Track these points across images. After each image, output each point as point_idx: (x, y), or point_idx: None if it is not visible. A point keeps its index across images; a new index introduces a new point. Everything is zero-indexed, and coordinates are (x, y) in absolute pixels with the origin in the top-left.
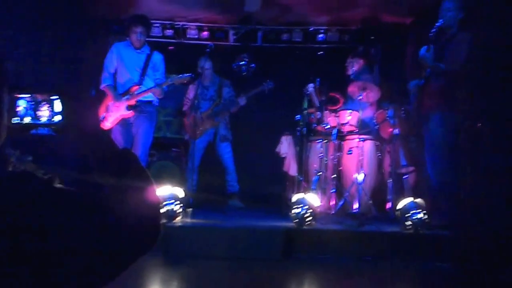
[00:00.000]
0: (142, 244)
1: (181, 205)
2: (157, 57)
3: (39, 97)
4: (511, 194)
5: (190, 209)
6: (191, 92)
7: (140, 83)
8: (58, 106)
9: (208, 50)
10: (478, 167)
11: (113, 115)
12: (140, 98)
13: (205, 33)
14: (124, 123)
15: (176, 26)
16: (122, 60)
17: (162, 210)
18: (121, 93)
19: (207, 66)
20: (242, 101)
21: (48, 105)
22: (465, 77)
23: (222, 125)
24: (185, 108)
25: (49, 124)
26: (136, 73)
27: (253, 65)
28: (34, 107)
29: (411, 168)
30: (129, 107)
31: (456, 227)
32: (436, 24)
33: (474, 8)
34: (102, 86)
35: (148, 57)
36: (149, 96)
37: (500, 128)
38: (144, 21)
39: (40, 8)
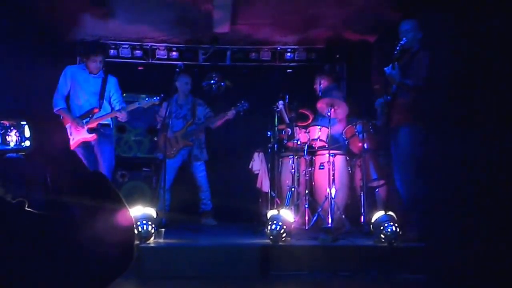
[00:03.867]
0: (116, 266)
1: (154, 225)
2: (113, 80)
3: (7, 123)
4: (480, 205)
5: (163, 229)
6: (163, 110)
7: (99, 106)
8: (27, 131)
9: (177, 70)
10: (446, 179)
11: (74, 137)
12: (100, 121)
13: (174, 53)
14: (85, 146)
15: (145, 47)
16: (78, 83)
17: (135, 231)
18: (79, 116)
19: (185, 81)
20: (231, 114)
21: (16, 131)
22: (429, 91)
23: (196, 144)
24: (159, 126)
25: (18, 149)
26: (94, 96)
27: (223, 84)
28: (2, 133)
29: (382, 182)
30: (91, 130)
31: (427, 239)
32: (400, 42)
33: (432, 26)
34: (56, 109)
35: (104, 81)
36: (106, 120)
37: (466, 140)
38: (104, 50)
39: (4, 32)
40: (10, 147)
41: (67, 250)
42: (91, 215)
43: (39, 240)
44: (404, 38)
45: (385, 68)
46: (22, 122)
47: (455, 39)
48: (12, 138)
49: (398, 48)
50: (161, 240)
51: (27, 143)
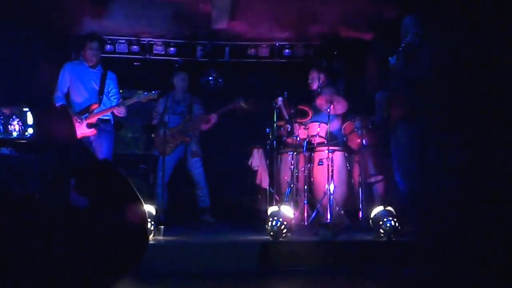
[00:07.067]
0: (131, 256)
1: (153, 222)
2: (113, 77)
3: (8, 111)
4: (478, 199)
5: (162, 226)
6: (160, 106)
7: (99, 102)
8: (30, 118)
9: (177, 65)
10: (445, 175)
11: None
12: (100, 116)
13: (172, 49)
14: (85, 142)
15: (142, 42)
16: (78, 79)
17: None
18: (79, 112)
19: (182, 77)
20: (213, 118)
21: (18, 119)
22: (431, 87)
23: (193, 141)
24: (154, 122)
25: (21, 138)
26: (94, 92)
27: (220, 80)
28: (3, 122)
29: (380, 177)
30: (90, 125)
31: (425, 234)
32: (406, 39)
33: (434, 22)
34: (56, 106)
35: (104, 76)
36: (107, 115)
37: (466, 136)
38: (99, 37)
39: (3, 22)
40: (12, 137)
41: (77, 240)
42: (101, 206)
43: (47, 232)
44: (409, 35)
45: (390, 59)
46: (24, 109)
47: (455, 35)
48: (15, 127)
49: (403, 44)
50: (160, 237)
51: (30, 130)
